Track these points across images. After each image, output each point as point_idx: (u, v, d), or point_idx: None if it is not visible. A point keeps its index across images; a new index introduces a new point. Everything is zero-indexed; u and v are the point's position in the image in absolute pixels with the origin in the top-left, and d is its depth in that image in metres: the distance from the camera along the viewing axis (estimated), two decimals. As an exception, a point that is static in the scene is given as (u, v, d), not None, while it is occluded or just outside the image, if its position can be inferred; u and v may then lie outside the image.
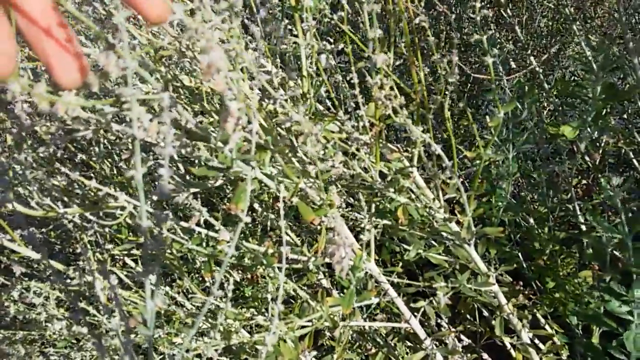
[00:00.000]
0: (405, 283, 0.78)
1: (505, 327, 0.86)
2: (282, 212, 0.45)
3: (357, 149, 0.61)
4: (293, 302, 0.73)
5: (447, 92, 0.60)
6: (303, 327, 0.65)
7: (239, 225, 0.41)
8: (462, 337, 1.00)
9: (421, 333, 0.75)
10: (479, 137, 0.62)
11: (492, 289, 0.77)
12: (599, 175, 1.20)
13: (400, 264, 0.86)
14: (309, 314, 0.61)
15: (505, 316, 0.81)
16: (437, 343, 0.76)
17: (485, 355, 0.94)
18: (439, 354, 0.76)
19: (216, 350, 0.60)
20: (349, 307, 0.56)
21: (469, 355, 0.86)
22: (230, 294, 0.53)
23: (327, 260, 0.49)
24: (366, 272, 0.68)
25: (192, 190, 0.50)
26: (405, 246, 0.84)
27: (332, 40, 0.55)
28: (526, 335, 0.83)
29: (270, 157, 0.50)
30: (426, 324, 0.87)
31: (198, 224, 0.54)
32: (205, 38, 0.28)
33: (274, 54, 0.58)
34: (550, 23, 1.32)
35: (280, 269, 0.62)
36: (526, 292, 0.98)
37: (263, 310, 0.72)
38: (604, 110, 0.88)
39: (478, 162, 0.63)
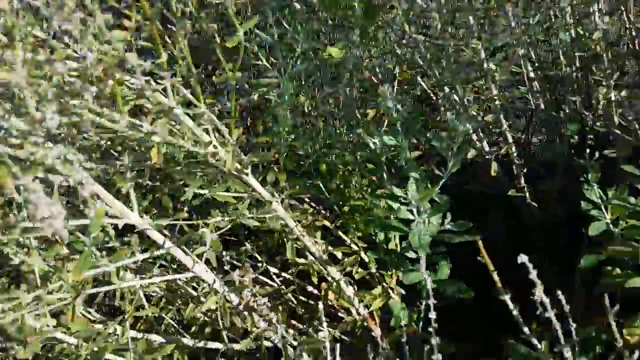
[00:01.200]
0: (184, 225, 0.73)
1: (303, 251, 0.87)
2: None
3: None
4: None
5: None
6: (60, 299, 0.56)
7: None
8: (270, 268, 1.00)
9: (209, 278, 0.71)
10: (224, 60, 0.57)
11: (280, 214, 0.76)
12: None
13: (186, 208, 0.80)
14: (46, 285, 0.52)
15: (297, 237, 0.81)
16: (227, 284, 0.73)
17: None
18: (233, 295, 0.74)
19: None
20: (80, 274, 0.48)
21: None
22: None
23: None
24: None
25: None
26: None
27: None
28: (319, 252, 0.84)
29: None
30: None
31: None
32: None
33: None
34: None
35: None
36: (324, 214, 1.00)
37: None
38: (370, 30, 0.89)
39: (229, 83, 0.58)
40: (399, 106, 1.44)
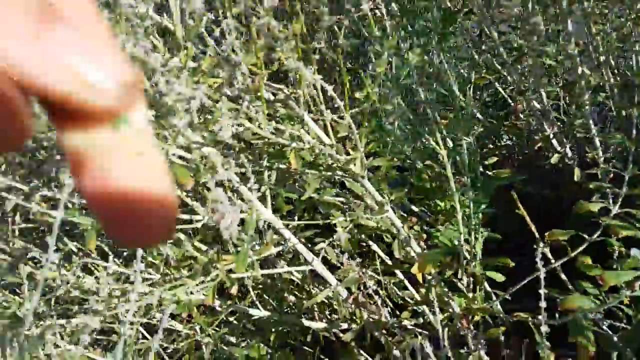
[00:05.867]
0: (305, 225, 0.78)
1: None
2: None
3: (240, 97, 0.58)
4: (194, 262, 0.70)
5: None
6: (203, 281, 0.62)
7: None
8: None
9: (325, 273, 0.77)
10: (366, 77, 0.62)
11: (389, 216, 0.80)
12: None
13: (297, 210, 0.86)
14: (207, 272, 0.58)
15: (402, 239, 0.85)
16: (340, 278, 0.78)
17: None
18: (342, 289, 0.79)
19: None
20: (243, 266, 0.55)
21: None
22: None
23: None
24: (264, 223, 0.67)
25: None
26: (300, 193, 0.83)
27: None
28: (418, 248, 0.88)
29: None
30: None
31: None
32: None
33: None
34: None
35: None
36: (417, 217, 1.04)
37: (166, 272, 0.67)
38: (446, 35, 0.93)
39: (366, 100, 0.64)
40: (476, 112, 1.47)
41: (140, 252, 0.44)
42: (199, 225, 0.57)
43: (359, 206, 0.75)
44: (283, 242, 0.71)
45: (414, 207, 1.10)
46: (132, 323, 0.57)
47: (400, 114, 0.85)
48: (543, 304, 0.69)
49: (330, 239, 0.75)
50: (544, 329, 0.73)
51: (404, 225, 0.82)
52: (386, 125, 0.86)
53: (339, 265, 0.82)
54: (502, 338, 0.94)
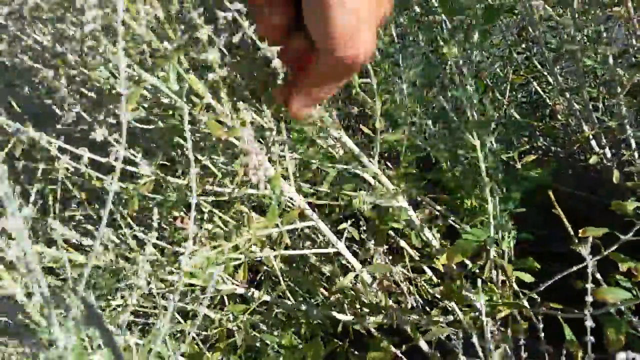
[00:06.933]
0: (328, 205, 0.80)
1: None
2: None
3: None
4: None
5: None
6: (235, 259, 0.66)
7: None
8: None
9: (349, 256, 0.78)
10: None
11: (402, 205, 0.81)
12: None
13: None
14: (237, 236, 0.61)
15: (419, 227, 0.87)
16: (365, 262, 0.80)
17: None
18: (366, 274, 0.81)
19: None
20: (274, 220, 0.57)
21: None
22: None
23: (245, 177, 0.49)
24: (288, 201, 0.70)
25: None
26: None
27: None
28: (436, 242, 0.89)
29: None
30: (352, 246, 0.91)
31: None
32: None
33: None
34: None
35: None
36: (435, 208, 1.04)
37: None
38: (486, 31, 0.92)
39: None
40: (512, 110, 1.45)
41: (192, 215, 0.47)
42: (226, 198, 0.61)
43: (374, 190, 0.76)
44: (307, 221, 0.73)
45: (438, 207, 1.10)
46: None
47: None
48: (589, 296, 0.65)
49: (353, 219, 0.77)
50: (589, 323, 0.69)
51: (418, 214, 0.83)
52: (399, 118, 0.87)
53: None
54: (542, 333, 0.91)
